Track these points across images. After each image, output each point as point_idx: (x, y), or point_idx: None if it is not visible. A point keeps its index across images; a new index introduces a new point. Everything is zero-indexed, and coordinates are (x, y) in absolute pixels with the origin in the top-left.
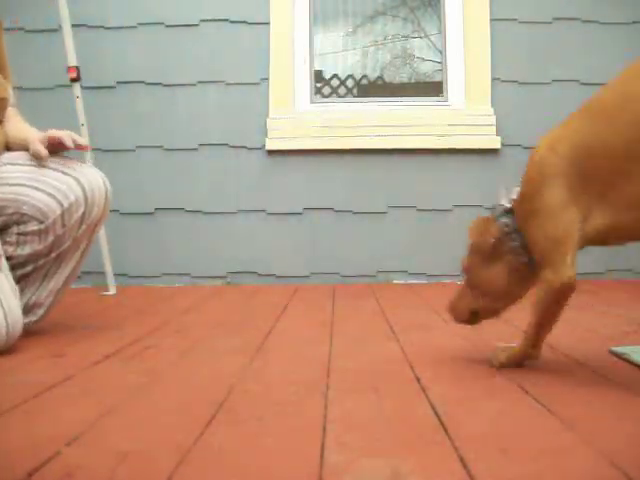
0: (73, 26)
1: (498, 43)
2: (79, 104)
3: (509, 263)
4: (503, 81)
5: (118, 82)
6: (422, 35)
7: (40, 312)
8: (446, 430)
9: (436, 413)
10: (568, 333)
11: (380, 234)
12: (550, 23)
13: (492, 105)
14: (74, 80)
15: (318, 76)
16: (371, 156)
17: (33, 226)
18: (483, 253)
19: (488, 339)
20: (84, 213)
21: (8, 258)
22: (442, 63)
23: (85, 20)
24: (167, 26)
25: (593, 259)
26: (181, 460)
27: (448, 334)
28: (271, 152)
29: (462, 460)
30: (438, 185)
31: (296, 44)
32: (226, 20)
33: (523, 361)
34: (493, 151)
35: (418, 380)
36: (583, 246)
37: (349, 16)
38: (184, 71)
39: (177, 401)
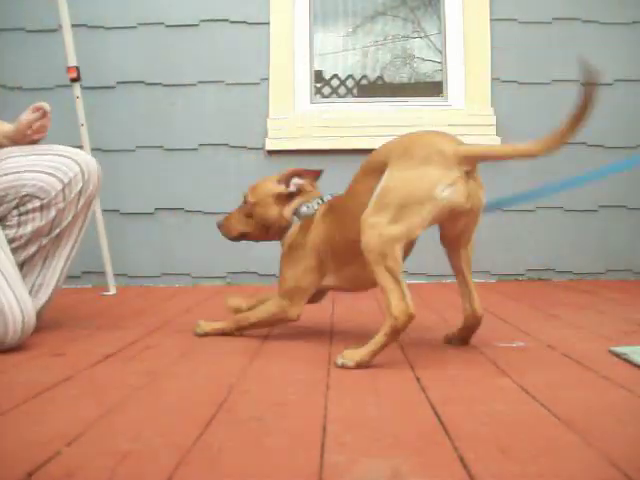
0: (73, 26)
1: (498, 43)
2: (79, 104)
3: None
4: (503, 81)
5: (118, 82)
6: (422, 35)
7: (48, 292)
8: (446, 430)
9: (436, 413)
10: (568, 333)
11: None
12: (550, 23)
13: (492, 105)
14: (74, 80)
15: (318, 76)
16: None
17: (35, 203)
18: (273, 196)
19: (488, 339)
20: (82, 188)
21: (11, 241)
22: (442, 63)
23: (85, 20)
24: (167, 26)
25: (593, 259)
26: (181, 460)
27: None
28: (271, 152)
29: (462, 460)
30: None
31: (296, 44)
32: (226, 20)
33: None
34: None
35: (418, 380)
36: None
37: (349, 16)
38: (184, 71)
39: (177, 401)
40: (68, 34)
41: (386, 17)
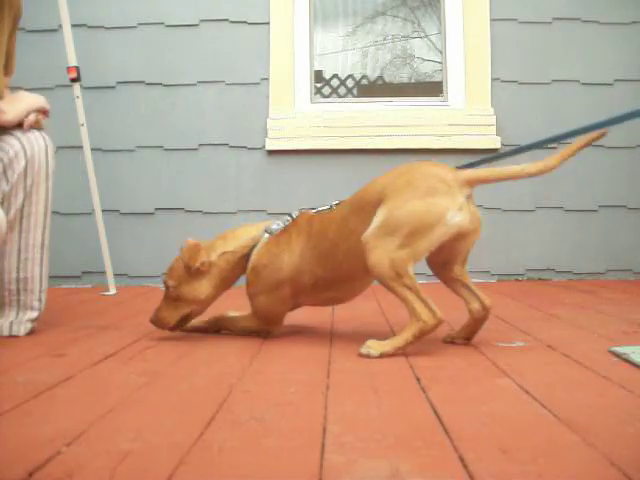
0: (73, 26)
1: (498, 43)
2: (79, 104)
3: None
4: (503, 81)
5: (118, 82)
6: (422, 35)
7: (34, 288)
8: (446, 430)
9: (436, 413)
10: (568, 333)
11: None
12: (550, 23)
13: (492, 105)
14: (74, 80)
15: (318, 76)
16: (371, 156)
17: None
18: (190, 272)
19: (488, 339)
20: (26, 166)
21: None
22: (442, 63)
23: (85, 20)
24: (167, 26)
25: (593, 259)
26: (181, 460)
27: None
28: (271, 152)
29: (462, 460)
30: None
31: (296, 44)
32: (226, 20)
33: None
34: (493, 151)
35: (418, 380)
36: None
37: (349, 16)
38: (184, 71)
39: (177, 401)
40: (68, 34)
41: (386, 17)
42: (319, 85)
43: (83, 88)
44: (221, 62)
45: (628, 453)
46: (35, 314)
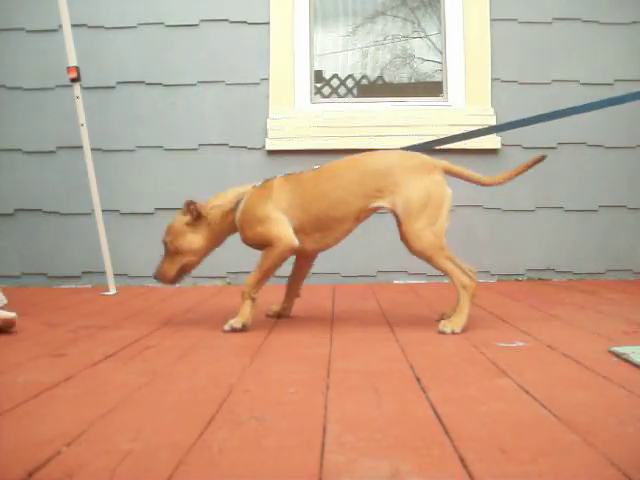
0: (73, 26)
1: (498, 43)
2: (79, 104)
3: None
4: (503, 81)
5: (118, 82)
6: (422, 35)
7: None
8: (446, 430)
9: (436, 413)
10: (568, 333)
11: (380, 234)
12: (550, 23)
13: (492, 105)
14: (74, 80)
15: (318, 76)
16: None
17: None
18: (185, 225)
19: (488, 339)
20: None
21: None
22: (442, 63)
23: (85, 20)
24: (167, 26)
25: (593, 259)
26: (181, 460)
27: (448, 334)
28: (271, 152)
29: (462, 460)
30: None
31: (296, 44)
32: (226, 20)
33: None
34: (493, 151)
35: (418, 380)
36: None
37: (349, 16)
38: (184, 71)
39: (177, 401)
40: (68, 34)
41: (386, 17)
42: (319, 85)
43: (83, 88)
44: (221, 62)
45: (628, 453)
46: None
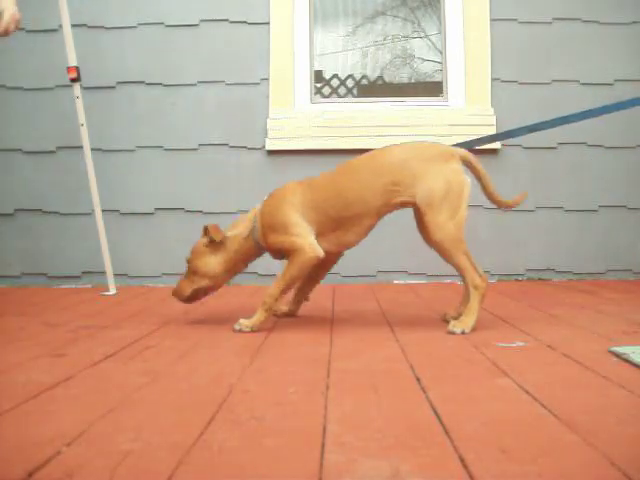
0: (73, 26)
1: (498, 43)
2: (79, 104)
3: (229, 255)
4: (503, 81)
5: (118, 82)
6: (422, 35)
7: None
8: (446, 430)
9: (436, 413)
10: (568, 333)
11: (380, 234)
12: (550, 23)
13: (492, 105)
14: (74, 80)
15: (318, 76)
16: None
17: None
18: (208, 249)
19: (488, 339)
20: None
21: None
22: (442, 63)
23: (85, 20)
24: (167, 26)
25: (593, 259)
26: (181, 460)
27: (457, 334)
28: (271, 152)
29: (462, 460)
30: None
31: (296, 44)
32: (226, 20)
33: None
34: (493, 151)
35: (418, 380)
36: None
37: (349, 16)
38: (184, 71)
39: (177, 401)
40: (68, 34)
41: (386, 17)
42: (319, 85)
43: (83, 88)
44: (221, 62)
45: (628, 453)
46: None
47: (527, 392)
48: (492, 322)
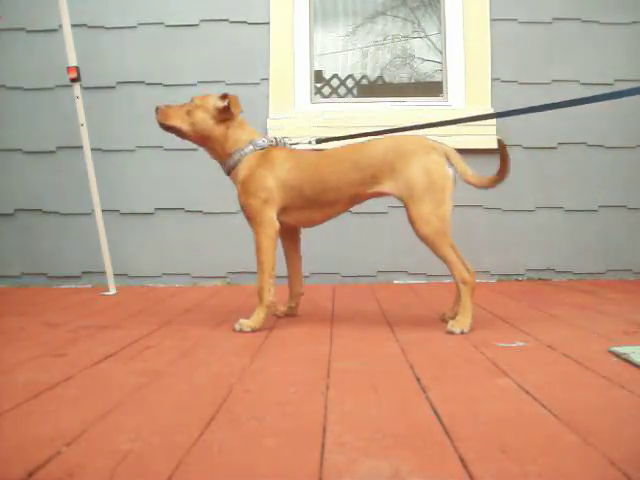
0: (73, 26)
1: (498, 43)
2: (79, 104)
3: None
4: (503, 81)
5: (118, 82)
6: (422, 35)
7: None
8: (446, 430)
9: (436, 413)
10: (568, 333)
11: (380, 234)
12: (550, 23)
13: (492, 105)
14: (74, 80)
15: (318, 76)
16: None
17: None
18: (215, 108)
19: (488, 339)
20: None
21: None
22: (442, 63)
23: (85, 20)
24: (167, 26)
25: (593, 259)
26: (181, 460)
27: (457, 334)
28: None
29: (462, 460)
30: None
31: (296, 44)
32: (226, 20)
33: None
34: (493, 151)
35: (418, 380)
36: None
37: (349, 16)
38: (184, 71)
39: (177, 401)
40: (68, 34)
41: (386, 17)
42: (319, 85)
43: (83, 88)
44: (221, 62)
45: (628, 453)
46: None
47: (527, 392)
48: (492, 322)
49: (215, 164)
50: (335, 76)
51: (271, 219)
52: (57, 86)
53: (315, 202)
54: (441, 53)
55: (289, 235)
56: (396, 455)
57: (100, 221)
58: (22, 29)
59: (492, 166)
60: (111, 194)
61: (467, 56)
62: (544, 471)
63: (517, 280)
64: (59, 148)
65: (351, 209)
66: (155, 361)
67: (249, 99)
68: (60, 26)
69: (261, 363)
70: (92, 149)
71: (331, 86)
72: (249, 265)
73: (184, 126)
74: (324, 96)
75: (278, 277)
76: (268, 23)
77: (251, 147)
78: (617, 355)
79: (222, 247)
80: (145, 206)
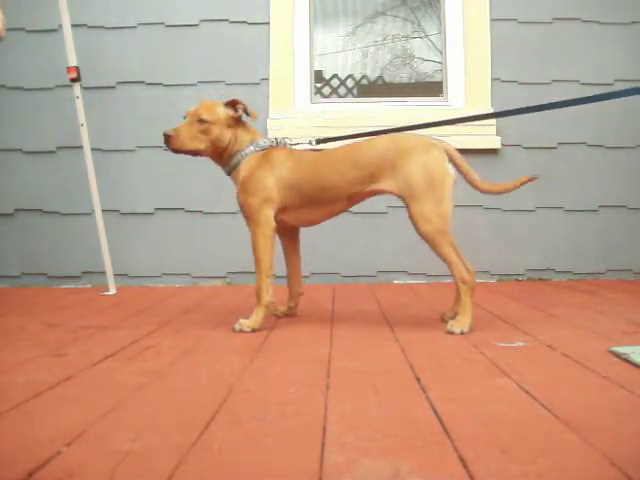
0: (73, 26)
1: (498, 43)
2: (79, 104)
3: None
4: (503, 81)
5: (118, 82)
6: (422, 35)
7: None
8: (446, 430)
9: (436, 413)
10: (568, 333)
11: (380, 234)
12: (550, 23)
13: (492, 105)
14: (74, 80)
15: (318, 76)
16: None
17: None
18: (227, 119)
19: (488, 339)
20: None
21: None
22: (442, 63)
23: (85, 20)
24: (167, 26)
25: (593, 259)
26: (181, 460)
27: (456, 334)
28: None
29: (462, 460)
30: None
31: (296, 44)
32: (226, 20)
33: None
34: (493, 151)
35: (418, 380)
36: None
37: (349, 16)
38: (184, 71)
39: (177, 401)
40: (68, 34)
41: (386, 17)
42: (319, 85)
43: (83, 88)
44: (221, 62)
45: (628, 453)
46: None
47: (527, 392)
48: (492, 322)
49: (214, 164)
50: (335, 76)
51: (268, 218)
52: (57, 86)
53: (315, 201)
54: (441, 53)
55: (288, 235)
56: (396, 455)
57: (100, 221)
58: (22, 29)
59: (492, 166)
60: (111, 194)
61: (467, 56)
62: (544, 471)
63: (517, 280)
64: (59, 148)
65: (351, 209)
66: (155, 361)
67: (249, 99)
68: (60, 26)
69: (261, 363)
70: (92, 149)
71: (331, 86)
72: (249, 265)
73: (202, 146)
74: (324, 96)
75: (278, 277)
76: (268, 23)
77: (252, 148)
78: (617, 355)
79: (222, 247)
80: (145, 206)
